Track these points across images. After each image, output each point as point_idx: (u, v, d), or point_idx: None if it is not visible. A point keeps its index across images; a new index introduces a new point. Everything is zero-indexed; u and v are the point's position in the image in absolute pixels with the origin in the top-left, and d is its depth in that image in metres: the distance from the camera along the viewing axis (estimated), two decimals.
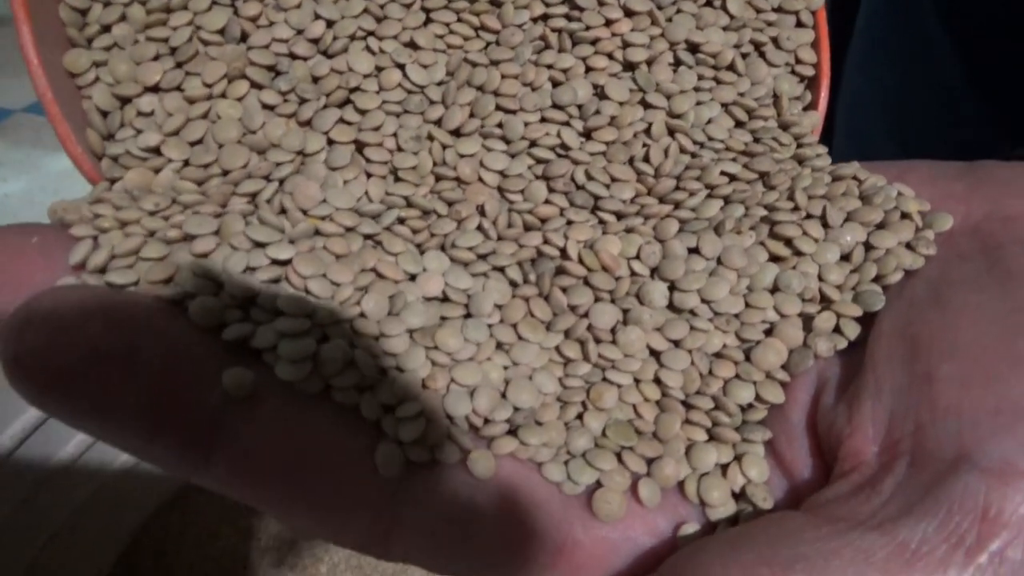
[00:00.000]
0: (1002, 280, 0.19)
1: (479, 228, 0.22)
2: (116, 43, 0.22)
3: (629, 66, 0.24)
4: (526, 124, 0.23)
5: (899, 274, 0.21)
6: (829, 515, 0.17)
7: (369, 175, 0.22)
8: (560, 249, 0.21)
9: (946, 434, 0.17)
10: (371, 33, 0.23)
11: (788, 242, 0.21)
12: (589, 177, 0.23)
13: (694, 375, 0.20)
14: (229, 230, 0.19)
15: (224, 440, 0.17)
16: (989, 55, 0.41)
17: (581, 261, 0.21)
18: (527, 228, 0.22)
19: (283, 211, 0.20)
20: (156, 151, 0.21)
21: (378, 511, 0.18)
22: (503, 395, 0.19)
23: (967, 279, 0.19)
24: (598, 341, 0.20)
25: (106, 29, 0.22)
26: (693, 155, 0.24)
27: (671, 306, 0.21)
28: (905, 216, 0.22)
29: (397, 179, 0.22)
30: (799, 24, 0.26)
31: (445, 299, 0.20)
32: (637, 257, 0.21)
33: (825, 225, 0.22)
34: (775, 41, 0.25)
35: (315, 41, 0.23)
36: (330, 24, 0.23)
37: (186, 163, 0.22)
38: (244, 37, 0.23)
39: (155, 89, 0.22)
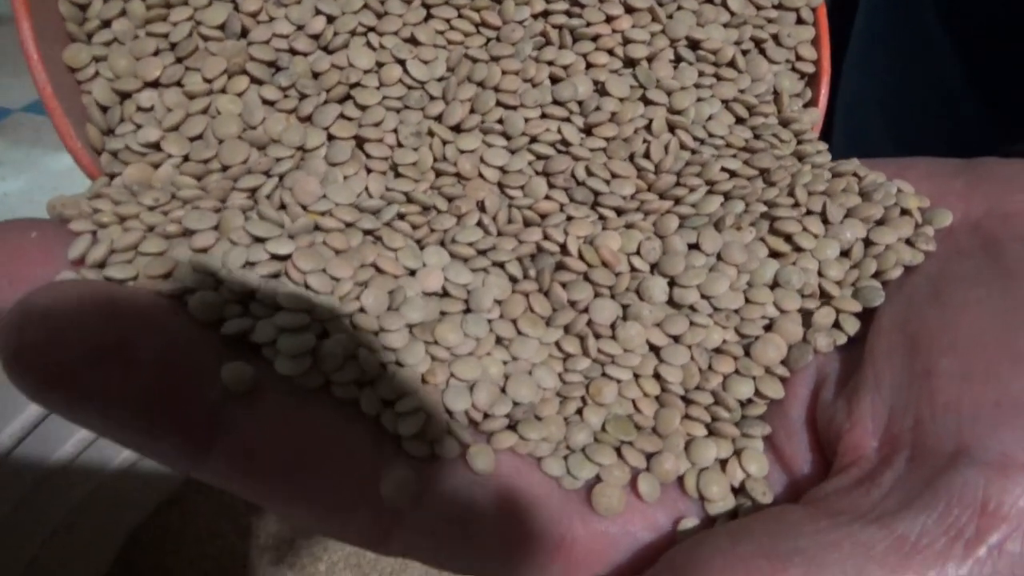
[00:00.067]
0: (1002, 276, 0.19)
1: (479, 224, 0.22)
2: (116, 38, 0.22)
3: (630, 62, 0.24)
4: (526, 120, 0.23)
5: (899, 270, 0.21)
6: (828, 509, 0.17)
7: (369, 171, 0.22)
8: (560, 245, 0.21)
9: (945, 429, 0.17)
10: (372, 29, 0.23)
11: (788, 238, 0.21)
12: (589, 173, 0.23)
13: (693, 370, 0.20)
14: (229, 225, 0.19)
15: (224, 434, 0.17)
16: (988, 54, 0.41)
17: (581, 257, 0.21)
18: (527, 224, 0.22)
19: (283, 207, 0.20)
20: (156, 146, 0.21)
21: (378, 506, 0.18)
22: (503, 390, 0.19)
23: (967, 275, 0.19)
24: (598, 336, 0.20)
25: (106, 24, 0.22)
26: (693, 151, 0.24)
27: (671, 302, 0.21)
28: (905, 212, 0.22)
29: (397, 175, 0.22)
30: (799, 21, 0.26)
31: (445, 294, 0.20)
32: (637, 253, 0.21)
33: (825, 221, 0.22)
34: (775, 38, 0.25)
35: (315, 37, 0.23)
36: (331, 20, 0.23)
37: (186, 158, 0.21)
38: (244, 33, 0.23)
39: (155, 84, 0.22)
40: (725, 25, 0.25)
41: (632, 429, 0.20)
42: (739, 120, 0.25)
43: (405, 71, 0.23)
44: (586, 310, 0.21)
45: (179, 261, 0.18)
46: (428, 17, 0.24)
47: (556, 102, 0.24)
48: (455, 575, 0.19)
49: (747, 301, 0.21)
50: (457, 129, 0.23)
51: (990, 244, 0.20)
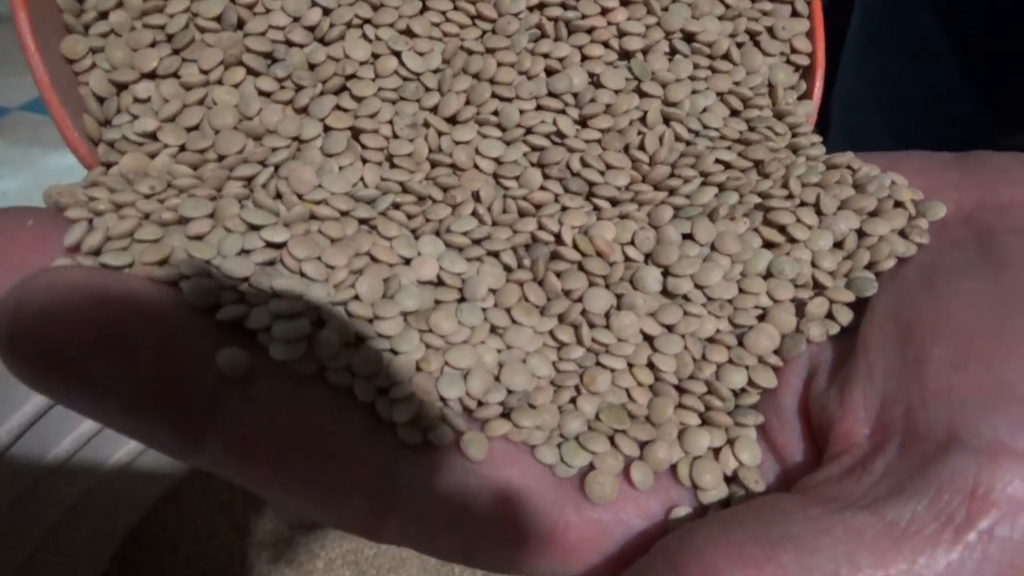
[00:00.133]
0: (994, 267, 0.19)
1: (474, 213, 0.22)
2: (113, 30, 0.22)
3: (625, 55, 0.25)
4: (522, 112, 0.23)
5: (892, 261, 0.21)
6: (820, 496, 0.17)
7: (365, 161, 0.22)
8: (555, 234, 0.21)
9: (936, 416, 0.17)
10: (367, 21, 0.23)
11: (782, 229, 0.22)
12: (584, 164, 0.23)
13: (687, 360, 0.20)
14: (224, 213, 0.19)
15: (219, 420, 0.17)
16: (984, 52, 0.41)
17: (575, 246, 0.21)
18: (522, 214, 0.22)
19: (279, 196, 0.20)
20: (152, 136, 0.22)
21: (372, 492, 0.18)
22: (497, 378, 0.20)
23: (959, 266, 0.20)
24: (592, 325, 0.20)
25: (103, 16, 0.22)
26: (688, 143, 0.24)
27: (665, 291, 0.21)
28: (898, 204, 0.22)
29: (393, 165, 0.22)
30: (794, 14, 0.26)
31: (440, 283, 0.20)
32: (631, 243, 0.22)
33: (819, 212, 0.22)
34: (770, 30, 0.26)
35: (312, 28, 0.23)
36: (327, 11, 0.23)
37: (182, 148, 0.22)
38: (241, 24, 0.23)
39: (152, 75, 0.22)
40: (720, 18, 0.25)
41: (626, 418, 0.20)
42: (734, 112, 0.25)
43: (401, 63, 0.23)
44: (580, 299, 0.21)
45: (175, 248, 0.18)
46: (424, 9, 0.24)
47: (551, 94, 0.24)
48: (449, 562, 0.20)
49: (741, 291, 0.21)
50: (453, 120, 0.23)
51: (983, 235, 0.20)
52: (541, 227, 0.21)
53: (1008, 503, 0.15)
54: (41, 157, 0.77)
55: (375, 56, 0.23)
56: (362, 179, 0.22)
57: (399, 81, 0.23)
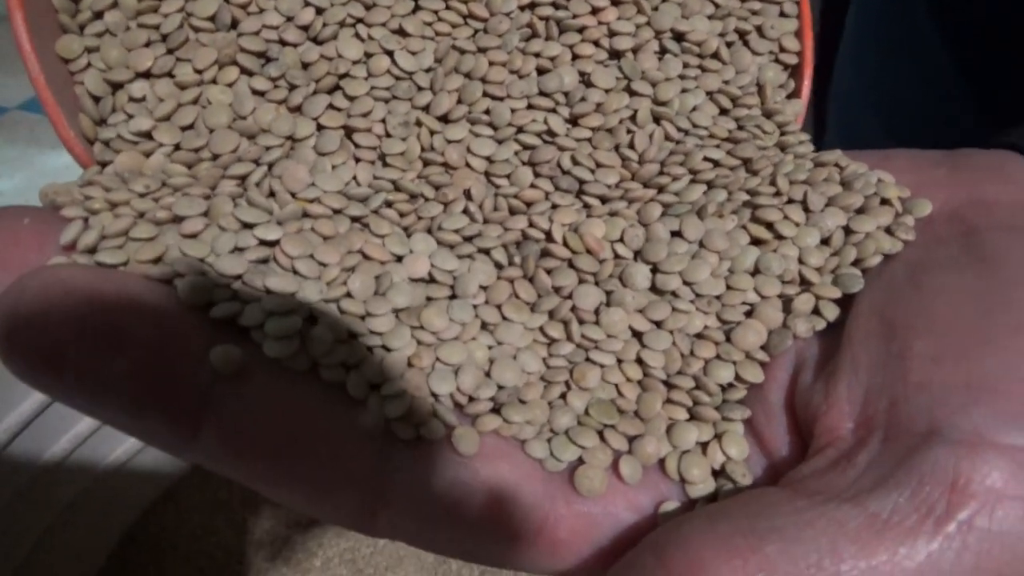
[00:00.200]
0: (978, 263, 0.19)
1: (465, 211, 0.22)
2: (108, 29, 0.23)
3: (615, 54, 0.25)
4: (513, 110, 0.24)
5: (878, 258, 0.21)
6: (805, 489, 0.17)
7: (358, 160, 0.22)
8: (545, 232, 0.22)
9: (918, 409, 0.17)
10: (360, 20, 0.24)
11: (769, 226, 0.22)
12: (575, 162, 0.23)
13: (675, 355, 0.21)
14: (218, 211, 0.19)
15: (213, 415, 0.17)
16: (980, 50, 0.42)
17: (566, 244, 0.21)
18: (513, 212, 0.22)
19: (272, 194, 0.21)
20: (147, 136, 0.22)
21: (365, 486, 0.18)
22: (487, 374, 0.20)
23: (944, 262, 0.20)
24: (581, 322, 0.21)
25: (98, 16, 0.23)
26: (677, 142, 0.24)
27: (653, 288, 0.21)
28: (885, 202, 0.22)
29: (385, 164, 0.23)
30: (783, 14, 0.26)
31: (431, 280, 0.21)
32: (621, 240, 0.22)
33: (806, 210, 0.22)
34: (759, 30, 0.26)
35: (305, 28, 0.23)
36: (320, 11, 0.23)
37: (177, 147, 0.22)
38: (234, 24, 0.23)
39: (146, 75, 0.22)
40: (710, 17, 0.26)
41: (615, 413, 0.20)
42: (723, 111, 0.25)
43: (393, 62, 0.23)
44: (570, 296, 0.21)
45: (169, 247, 0.19)
46: (416, 8, 0.24)
47: (542, 93, 0.24)
48: (445, 559, 0.20)
49: (728, 287, 0.21)
50: (444, 119, 0.23)
51: (968, 232, 0.20)
52: (532, 225, 0.22)
53: (987, 494, 0.16)
54: (38, 156, 0.77)
55: (368, 55, 0.23)
56: (355, 177, 0.22)
57: (392, 80, 0.23)
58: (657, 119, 0.24)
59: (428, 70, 0.24)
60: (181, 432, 0.17)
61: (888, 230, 0.21)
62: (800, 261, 0.21)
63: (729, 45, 0.26)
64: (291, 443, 0.17)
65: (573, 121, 0.24)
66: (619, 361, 0.21)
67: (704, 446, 0.20)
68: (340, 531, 0.63)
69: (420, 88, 0.24)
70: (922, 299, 0.19)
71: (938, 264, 0.20)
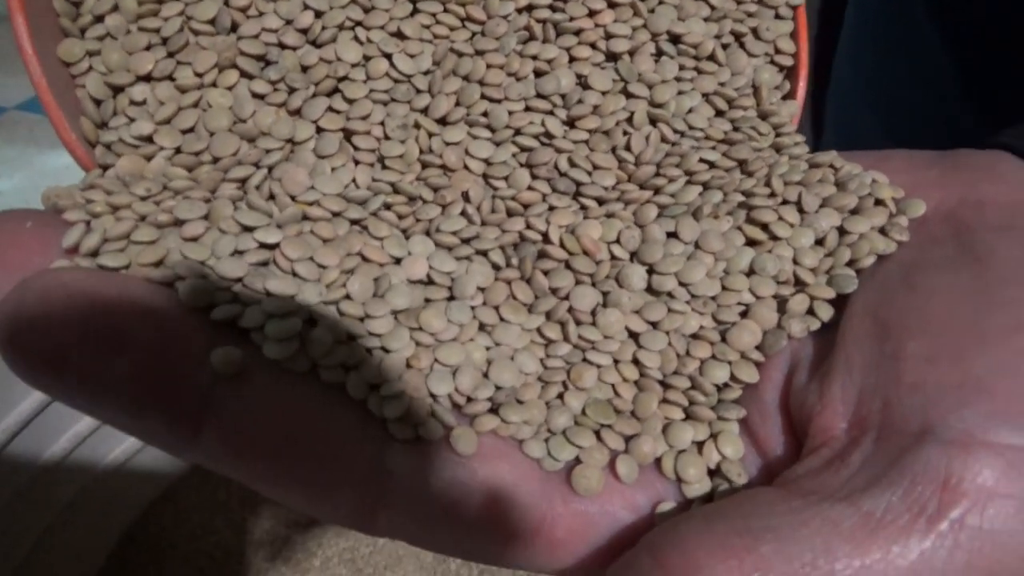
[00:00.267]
0: (972, 263, 0.19)
1: (463, 213, 0.22)
2: (109, 33, 0.23)
3: (612, 56, 0.25)
4: (510, 113, 0.24)
5: (872, 258, 0.21)
6: (800, 489, 0.17)
7: (357, 162, 0.23)
8: (542, 234, 0.22)
9: (911, 409, 0.17)
10: (359, 23, 0.24)
11: (764, 227, 0.22)
12: (572, 164, 0.23)
13: (671, 356, 0.21)
14: (218, 215, 0.20)
15: (213, 416, 0.17)
16: (979, 49, 0.42)
17: (562, 245, 0.22)
18: (510, 214, 0.22)
19: (272, 197, 0.21)
20: (148, 139, 0.22)
21: (364, 486, 0.18)
22: (485, 375, 0.20)
23: (938, 262, 0.20)
24: (578, 323, 0.21)
25: (99, 19, 0.23)
26: (673, 143, 0.24)
27: (649, 289, 0.22)
28: (879, 203, 0.22)
29: (384, 166, 0.23)
30: (778, 16, 0.27)
31: (429, 282, 0.21)
32: (617, 241, 0.22)
33: (801, 211, 0.22)
34: (755, 32, 0.26)
35: (304, 31, 0.23)
36: (319, 14, 0.23)
37: (178, 151, 0.22)
38: (234, 27, 0.23)
39: (147, 78, 0.23)
40: (705, 19, 0.26)
41: (611, 413, 0.20)
42: (719, 113, 0.25)
43: (392, 65, 0.24)
44: (567, 297, 0.21)
45: (170, 250, 0.19)
46: (414, 12, 0.24)
47: (540, 95, 0.24)
48: (445, 558, 0.20)
49: (724, 288, 0.21)
50: (443, 122, 0.24)
51: (962, 232, 0.20)
52: (529, 226, 0.22)
53: (978, 493, 0.16)
54: (38, 156, 0.77)
55: (366, 58, 0.24)
56: (354, 180, 0.22)
57: (390, 83, 0.24)
58: (653, 121, 0.24)
59: (426, 73, 0.24)
60: (182, 432, 0.17)
61: (882, 231, 0.22)
62: (795, 262, 0.22)
63: (725, 47, 0.26)
64: (291, 443, 0.18)
65: (570, 123, 0.24)
66: (616, 361, 0.21)
67: (700, 446, 0.20)
68: (339, 531, 0.63)
69: (418, 91, 0.24)
70: (916, 299, 0.19)
71: (932, 264, 0.20)
